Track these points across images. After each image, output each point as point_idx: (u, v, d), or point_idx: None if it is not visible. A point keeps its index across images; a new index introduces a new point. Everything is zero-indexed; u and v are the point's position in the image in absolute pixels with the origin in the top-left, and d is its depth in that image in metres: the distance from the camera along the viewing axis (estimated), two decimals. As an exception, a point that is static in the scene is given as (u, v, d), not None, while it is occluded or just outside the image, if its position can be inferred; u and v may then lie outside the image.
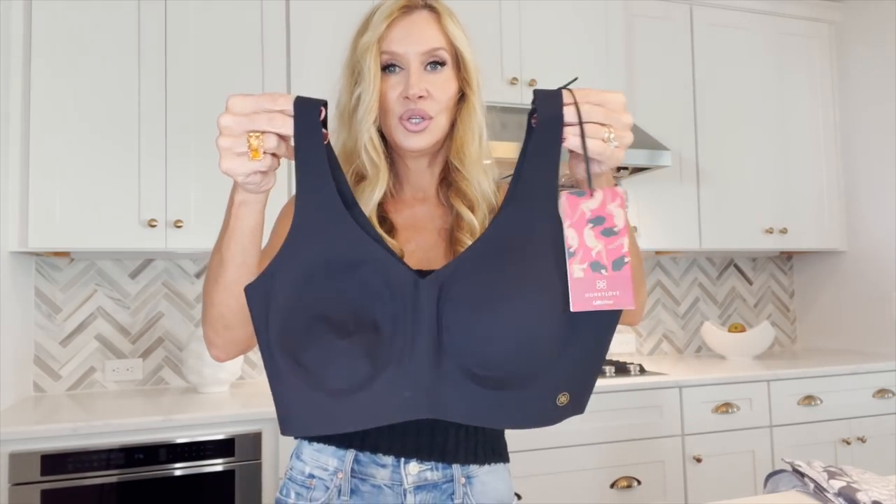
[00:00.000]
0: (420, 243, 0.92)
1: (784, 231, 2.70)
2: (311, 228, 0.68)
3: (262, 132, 0.65)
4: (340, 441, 0.91)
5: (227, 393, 2.04)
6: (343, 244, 0.68)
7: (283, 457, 1.76)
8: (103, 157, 1.92)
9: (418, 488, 0.91)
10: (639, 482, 2.06)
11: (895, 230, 2.64)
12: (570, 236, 0.65)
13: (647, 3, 2.57)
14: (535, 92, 0.68)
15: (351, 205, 0.71)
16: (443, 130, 0.90)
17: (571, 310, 0.65)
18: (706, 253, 2.88)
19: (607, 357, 2.68)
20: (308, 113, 0.65)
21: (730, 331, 2.65)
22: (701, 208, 2.60)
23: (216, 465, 1.71)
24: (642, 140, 2.32)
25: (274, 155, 0.69)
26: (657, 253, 2.75)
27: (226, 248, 0.77)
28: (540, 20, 2.34)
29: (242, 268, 0.77)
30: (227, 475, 1.71)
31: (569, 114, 0.67)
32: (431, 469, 0.91)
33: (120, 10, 1.95)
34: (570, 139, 0.67)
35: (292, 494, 0.93)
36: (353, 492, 0.90)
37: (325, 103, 0.66)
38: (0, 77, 1.82)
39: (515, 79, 2.28)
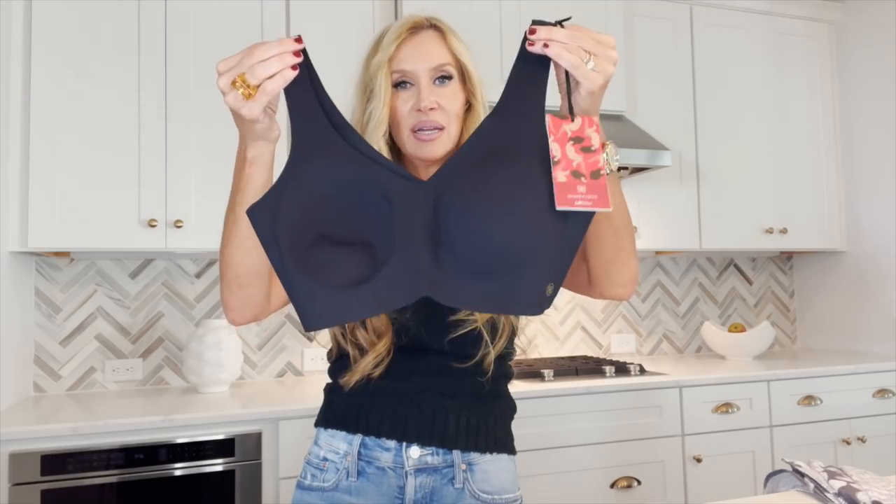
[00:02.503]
0: None
1: (784, 231, 2.70)
2: (307, 152, 0.74)
3: (244, 74, 0.70)
4: (349, 427, 0.98)
5: (227, 393, 2.04)
6: (339, 165, 0.74)
7: (283, 457, 1.76)
8: (103, 157, 1.92)
9: (419, 471, 0.97)
10: (639, 482, 2.06)
11: (895, 230, 2.64)
12: (554, 148, 0.74)
13: (647, 3, 2.57)
14: (533, 21, 0.74)
15: (340, 126, 0.76)
16: (454, 139, 0.97)
17: (556, 208, 0.73)
18: (706, 253, 2.88)
19: (607, 357, 2.68)
20: None
21: (730, 331, 2.65)
22: (701, 208, 2.60)
23: (216, 465, 1.71)
24: (642, 140, 2.32)
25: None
26: (657, 253, 2.75)
27: (239, 206, 0.81)
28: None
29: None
30: (227, 475, 1.71)
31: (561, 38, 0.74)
32: (432, 454, 0.97)
33: (120, 9, 1.95)
34: (553, 48, 0.72)
35: (308, 476, 1.00)
36: (359, 473, 0.97)
37: (298, 36, 0.72)
38: (0, 77, 1.82)
39: (515, 79, 2.27)
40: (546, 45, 0.72)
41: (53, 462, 1.58)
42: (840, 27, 2.87)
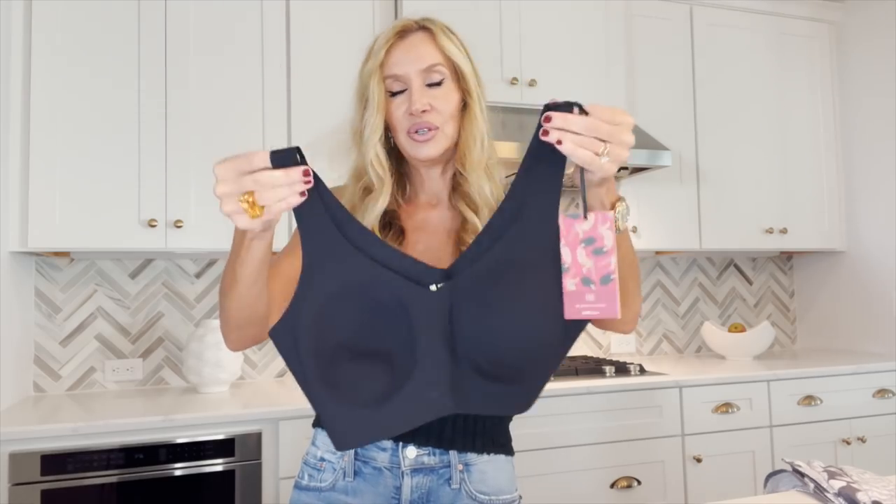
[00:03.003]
0: (429, 244, 1.00)
1: (784, 231, 2.70)
2: (318, 266, 0.75)
3: (252, 192, 0.70)
4: None
5: (227, 393, 2.04)
6: (349, 272, 0.74)
7: (283, 457, 1.76)
8: (103, 157, 1.92)
9: (415, 471, 0.97)
10: (639, 482, 2.06)
11: (895, 230, 2.64)
12: (565, 254, 0.73)
13: (647, 3, 2.57)
14: (546, 106, 0.72)
15: (346, 228, 0.76)
16: (450, 139, 0.98)
17: (565, 317, 0.74)
18: (706, 253, 2.88)
19: (607, 357, 2.68)
20: (285, 162, 0.69)
21: (730, 331, 2.65)
22: (701, 208, 2.60)
23: (216, 465, 1.71)
24: (642, 140, 2.32)
25: None
26: (657, 253, 2.75)
27: (240, 270, 0.82)
28: (540, 20, 2.34)
29: (254, 284, 0.84)
30: (227, 475, 1.71)
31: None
32: (429, 454, 0.97)
33: (120, 10, 1.95)
34: (566, 145, 0.71)
35: (306, 476, 1.00)
36: (356, 474, 0.97)
37: (298, 149, 0.70)
38: (0, 77, 1.82)
39: (515, 79, 2.28)
40: (559, 142, 0.70)
41: (53, 462, 1.58)
42: (840, 27, 2.87)
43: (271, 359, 2.35)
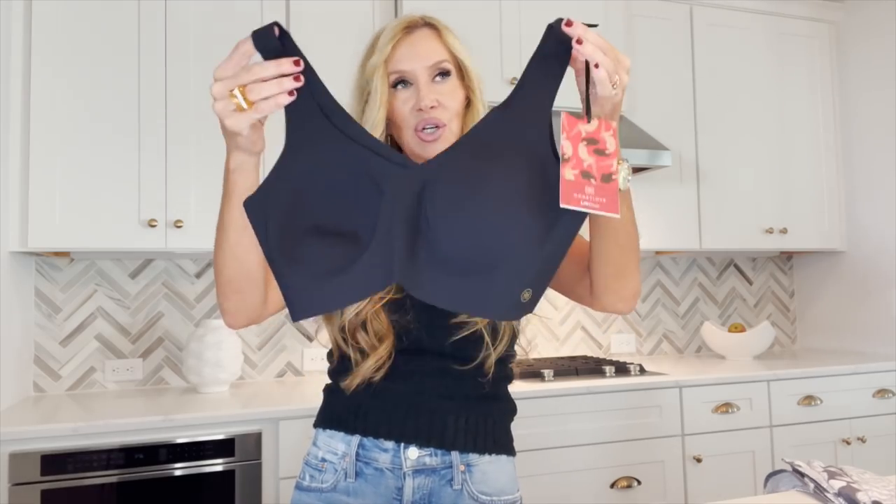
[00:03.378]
0: None
1: (784, 231, 2.70)
2: (298, 143, 0.73)
3: (245, 85, 0.69)
4: (347, 427, 0.98)
5: (227, 393, 2.04)
6: (329, 151, 0.73)
7: (283, 457, 1.76)
8: (103, 157, 1.92)
9: (417, 472, 0.96)
10: (639, 482, 2.06)
11: (895, 230, 2.64)
12: (566, 146, 0.70)
13: (647, 3, 2.57)
14: (554, 22, 0.72)
15: (333, 115, 0.74)
16: (455, 136, 0.96)
17: (560, 205, 0.69)
18: (706, 253, 2.88)
19: (607, 357, 2.68)
20: (266, 40, 0.70)
21: (730, 331, 2.65)
22: (701, 208, 2.60)
23: (216, 465, 1.71)
24: (642, 140, 2.32)
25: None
26: (657, 253, 2.75)
27: (227, 213, 0.81)
28: (540, 20, 2.32)
29: (244, 231, 0.80)
30: (227, 475, 1.71)
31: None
32: (430, 455, 0.96)
33: (120, 9, 1.95)
34: (587, 46, 0.69)
35: (307, 477, 1.00)
36: (357, 474, 0.97)
37: (276, 24, 0.71)
38: (0, 77, 1.82)
39: (515, 79, 2.28)
40: (580, 41, 0.69)
41: (53, 462, 1.58)
42: (840, 27, 2.87)
43: (271, 359, 2.36)
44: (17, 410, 1.81)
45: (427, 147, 0.94)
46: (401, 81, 0.94)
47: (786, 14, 2.79)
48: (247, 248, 0.83)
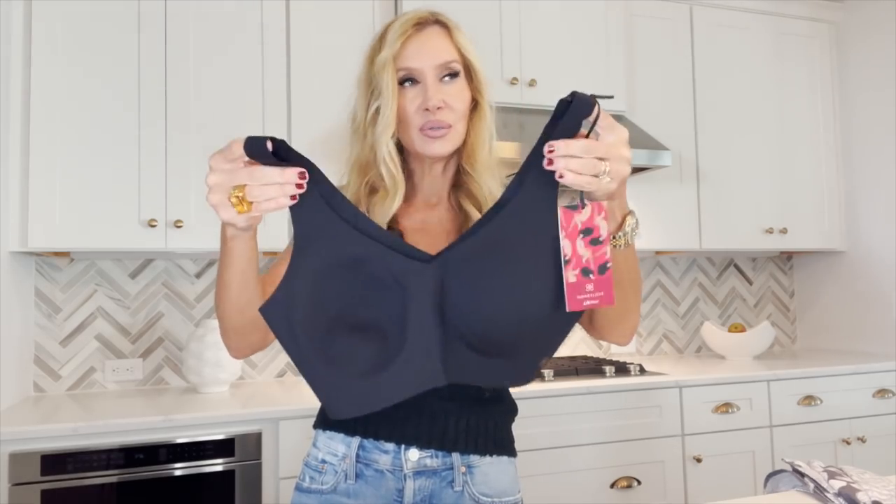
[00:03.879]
0: (429, 245, 0.97)
1: (784, 231, 2.70)
2: (307, 239, 0.74)
3: (244, 186, 0.69)
4: (347, 429, 0.97)
5: (227, 393, 2.04)
6: (342, 247, 0.74)
7: (283, 457, 1.76)
8: (103, 157, 1.92)
9: (417, 474, 0.95)
10: (639, 482, 2.06)
11: (895, 230, 2.64)
12: (566, 246, 0.75)
13: (647, 3, 2.57)
14: (561, 101, 0.73)
15: (339, 207, 0.75)
16: (461, 137, 0.96)
17: (567, 310, 0.76)
18: (706, 253, 2.88)
19: (607, 357, 2.68)
20: (259, 149, 0.69)
21: (730, 331, 2.65)
22: (701, 208, 2.60)
23: (216, 465, 1.71)
24: (642, 140, 2.32)
25: None
26: (657, 253, 2.75)
27: (227, 273, 0.83)
28: (540, 20, 2.34)
29: (244, 288, 0.84)
30: (227, 475, 1.71)
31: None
32: (431, 456, 0.96)
33: (120, 10, 1.95)
34: (568, 177, 0.71)
35: (307, 478, 0.99)
36: (358, 476, 0.96)
37: (272, 139, 0.69)
38: (0, 77, 1.82)
39: (515, 79, 2.28)
40: (561, 176, 0.71)
41: (53, 462, 1.58)
42: (840, 27, 2.87)
43: (271, 359, 2.35)
44: (17, 410, 1.81)
45: (432, 145, 0.93)
46: (408, 79, 0.93)
47: (786, 14, 2.79)
48: (249, 300, 0.85)
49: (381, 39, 0.95)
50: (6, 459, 1.56)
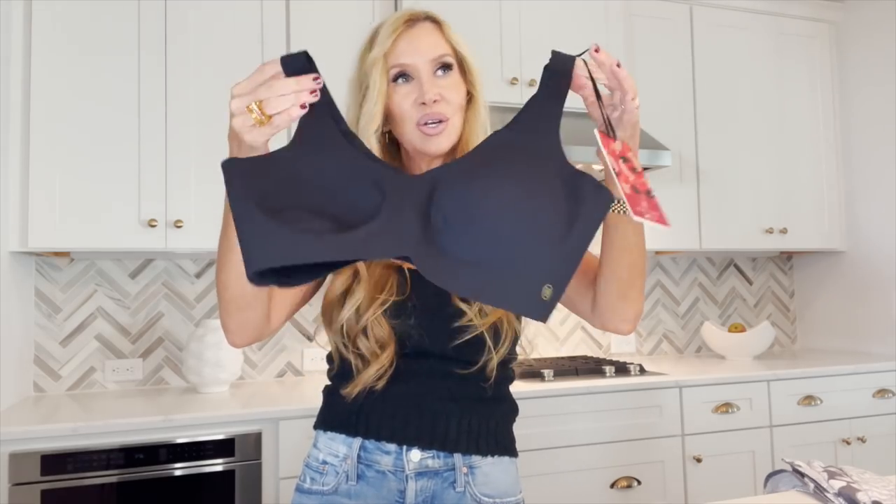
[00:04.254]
0: None
1: (784, 231, 2.70)
2: (303, 139, 0.71)
3: (262, 101, 0.69)
4: (349, 429, 0.96)
5: (227, 393, 2.04)
6: (333, 154, 0.71)
7: (283, 457, 1.76)
8: (103, 157, 1.92)
9: (419, 475, 0.95)
10: (639, 482, 2.06)
11: (895, 230, 2.64)
12: (609, 162, 0.73)
13: (647, 3, 2.57)
14: (553, 52, 0.74)
15: (345, 129, 0.73)
16: (458, 131, 0.95)
17: (634, 219, 0.70)
18: (706, 253, 2.88)
19: (607, 357, 2.68)
20: (294, 63, 0.70)
21: (730, 331, 2.65)
22: (701, 208, 2.60)
23: (216, 465, 1.71)
24: (642, 140, 2.32)
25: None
26: (657, 253, 2.75)
27: (231, 230, 0.78)
28: (540, 20, 2.34)
29: None
30: (227, 475, 1.71)
31: (584, 71, 0.75)
32: (433, 457, 0.95)
33: (120, 10, 1.95)
34: (582, 81, 0.74)
35: (308, 479, 0.99)
36: (359, 477, 0.95)
37: (306, 53, 0.71)
38: (0, 77, 1.82)
39: (515, 79, 2.28)
40: (620, 64, 0.73)
41: (53, 462, 1.58)
42: (840, 27, 2.87)
43: (271, 359, 2.35)
44: (17, 410, 1.81)
45: (430, 141, 0.92)
46: (402, 75, 0.92)
47: (786, 14, 2.79)
48: None
49: (371, 39, 0.94)
50: (6, 459, 1.56)
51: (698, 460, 2.13)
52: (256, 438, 1.74)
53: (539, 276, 0.70)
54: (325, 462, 0.98)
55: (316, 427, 1.03)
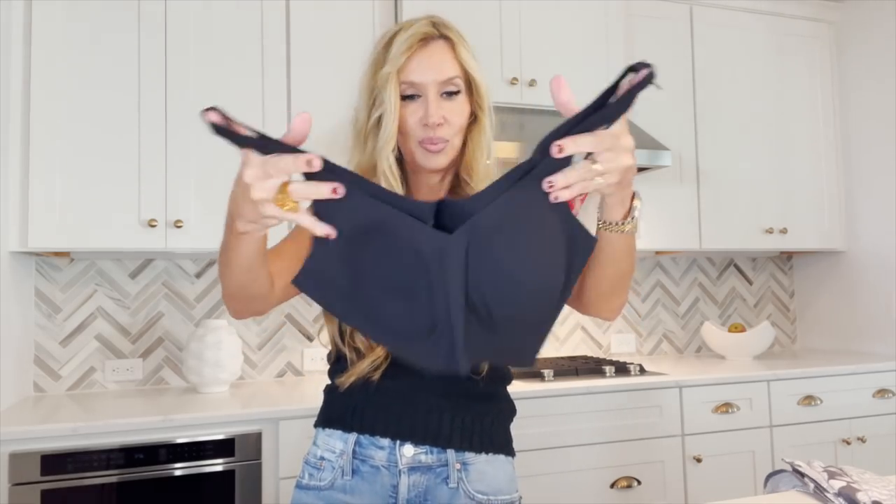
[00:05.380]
0: None
1: (784, 231, 2.70)
2: (327, 211, 0.69)
3: (286, 184, 0.66)
4: (345, 425, 0.99)
5: (227, 393, 2.04)
6: (363, 214, 0.70)
7: (283, 457, 1.76)
8: (103, 157, 1.92)
9: (412, 469, 0.97)
10: (639, 482, 2.06)
11: (895, 230, 2.64)
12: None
13: (647, 3, 2.57)
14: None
15: (346, 176, 0.70)
16: (457, 150, 0.99)
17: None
18: (706, 253, 2.88)
19: (607, 357, 2.68)
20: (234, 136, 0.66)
21: (730, 331, 2.65)
22: (701, 208, 2.60)
23: (216, 465, 1.71)
24: (642, 140, 2.32)
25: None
26: (657, 253, 2.75)
27: (233, 258, 0.79)
28: (540, 20, 2.34)
29: (249, 271, 0.82)
30: (227, 475, 1.71)
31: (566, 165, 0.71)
32: (426, 452, 0.97)
33: (120, 10, 1.95)
34: (561, 195, 0.69)
35: (306, 475, 1.01)
36: (354, 472, 0.98)
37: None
38: (0, 77, 1.82)
39: (515, 79, 2.28)
40: (556, 198, 0.69)
41: (53, 462, 1.58)
42: (840, 27, 2.87)
43: (271, 359, 2.35)
44: (17, 410, 1.81)
45: (431, 158, 0.96)
46: (410, 93, 0.95)
47: (786, 14, 2.79)
48: (253, 280, 0.84)
49: (385, 49, 0.96)
50: (6, 459, 1.56)
51: (698, 460, 2.13)
52: (256, 438, 1.74)
53: (545, 331, 0.77)
54: (322, 458, 1.00)
55: (316, 425, 1.05)
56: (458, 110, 0.97)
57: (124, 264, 2.22)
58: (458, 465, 0.97)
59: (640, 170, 2.41)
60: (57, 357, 2.14)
